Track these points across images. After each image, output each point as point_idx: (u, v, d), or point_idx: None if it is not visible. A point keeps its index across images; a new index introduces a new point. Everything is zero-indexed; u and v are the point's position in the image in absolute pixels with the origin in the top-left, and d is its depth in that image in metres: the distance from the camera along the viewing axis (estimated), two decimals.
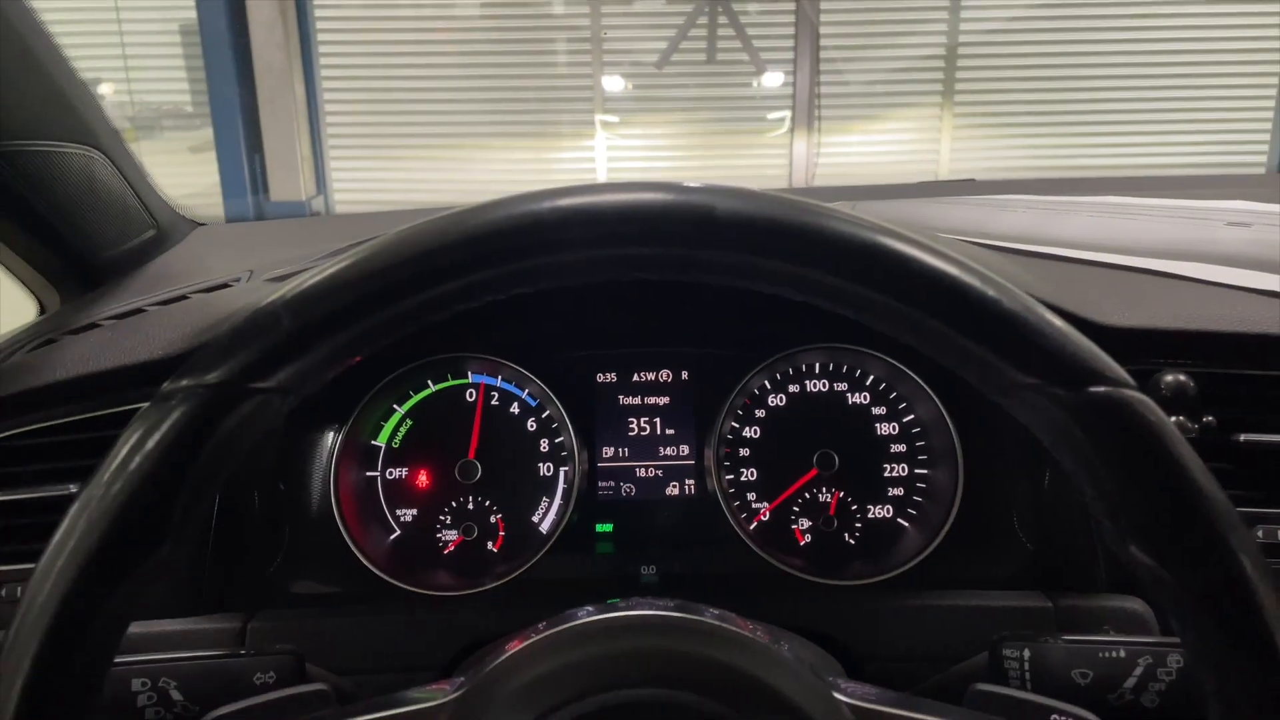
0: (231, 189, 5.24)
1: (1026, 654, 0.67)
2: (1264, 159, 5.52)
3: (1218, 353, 0.86)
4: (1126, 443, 0.44)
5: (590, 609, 0.55)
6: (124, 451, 0.46)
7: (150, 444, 0.46)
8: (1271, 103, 5.44)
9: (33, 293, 1.18)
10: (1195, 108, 5.42)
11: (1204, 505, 0.43)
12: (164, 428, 0.46)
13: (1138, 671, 0.64)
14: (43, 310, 1.19)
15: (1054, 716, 0.57)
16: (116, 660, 0.49)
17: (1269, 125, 5.48)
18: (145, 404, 0.47)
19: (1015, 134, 5.58)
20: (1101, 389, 0.45)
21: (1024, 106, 5.51)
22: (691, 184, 0.49)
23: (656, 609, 0.55)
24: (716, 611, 0.55)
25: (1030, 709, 0.58)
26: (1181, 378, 0.83)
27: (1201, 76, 5.39)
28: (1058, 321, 0.46)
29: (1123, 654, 0.65)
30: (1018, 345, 0.46)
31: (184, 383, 0.47)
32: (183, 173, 5.46)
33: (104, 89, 5.11)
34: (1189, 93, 5.40)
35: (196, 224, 1.39)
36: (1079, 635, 0.68)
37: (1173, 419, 0.67)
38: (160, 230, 1.26)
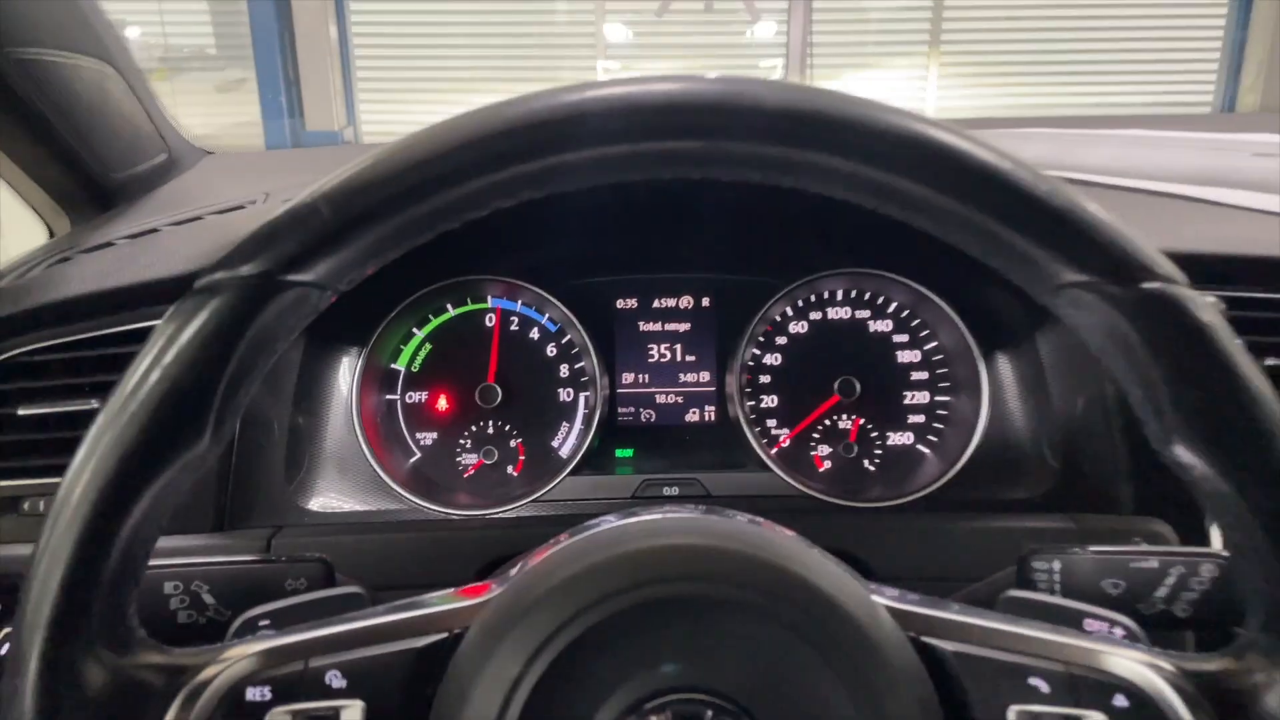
0: (271, 116, 5.61)
1: (1056, 565, 0.67)
2: (1209, 100, 6.06)
3: (1248, 277, 0.85)
4: (1178, 338, 0.44)
5: (613, 517, 0.55)
6: (160, 343, 0.44)
7: (187, 335, 0.44)
8: (1217, 50, 5.98)
9: (41, 217, 1.16)
10: (1148, 53, 5.94)
11: (1254, 401, 0.43)
12: (201, 319, 0.44)
13: (1169, 581, 0.64)
14: (51, 236, 1.17)
15: (1087, 621, 0.57)
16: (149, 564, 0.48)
17: (1214, 70, 6.03)
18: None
19: (997, 80, 6.00)
20: (1155, 285, 0.44)
21: (1004, 55, 5.95)
22: (729, 77, 0.47)
23: (690, 510, 0.55)
24: (747, 516, 0.55)
25: (1064, 614, 0.58)
26: (1212, 300, 0.82)
27: (1153, 29, 5.87)
28: (1109, 218, 0.45)
29: (1155, 564, 0.64)
30: (1070, 241, 0.45)
31: (219, 275, 0.45)
32: (210, 110, 5.77)
33: (134, 31, 5.33)
34: (1144, 42, 5.89)
35: (206, 153, 1.37)
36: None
37: None
38: (171, 155, 1.24)
